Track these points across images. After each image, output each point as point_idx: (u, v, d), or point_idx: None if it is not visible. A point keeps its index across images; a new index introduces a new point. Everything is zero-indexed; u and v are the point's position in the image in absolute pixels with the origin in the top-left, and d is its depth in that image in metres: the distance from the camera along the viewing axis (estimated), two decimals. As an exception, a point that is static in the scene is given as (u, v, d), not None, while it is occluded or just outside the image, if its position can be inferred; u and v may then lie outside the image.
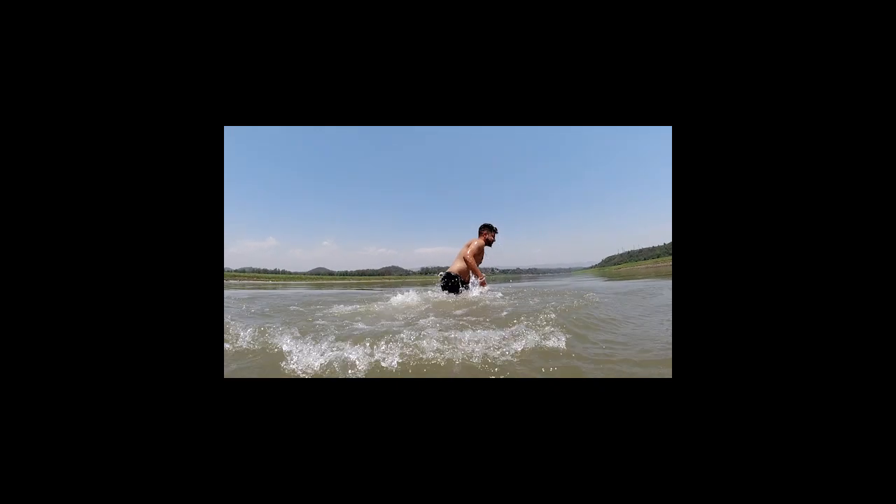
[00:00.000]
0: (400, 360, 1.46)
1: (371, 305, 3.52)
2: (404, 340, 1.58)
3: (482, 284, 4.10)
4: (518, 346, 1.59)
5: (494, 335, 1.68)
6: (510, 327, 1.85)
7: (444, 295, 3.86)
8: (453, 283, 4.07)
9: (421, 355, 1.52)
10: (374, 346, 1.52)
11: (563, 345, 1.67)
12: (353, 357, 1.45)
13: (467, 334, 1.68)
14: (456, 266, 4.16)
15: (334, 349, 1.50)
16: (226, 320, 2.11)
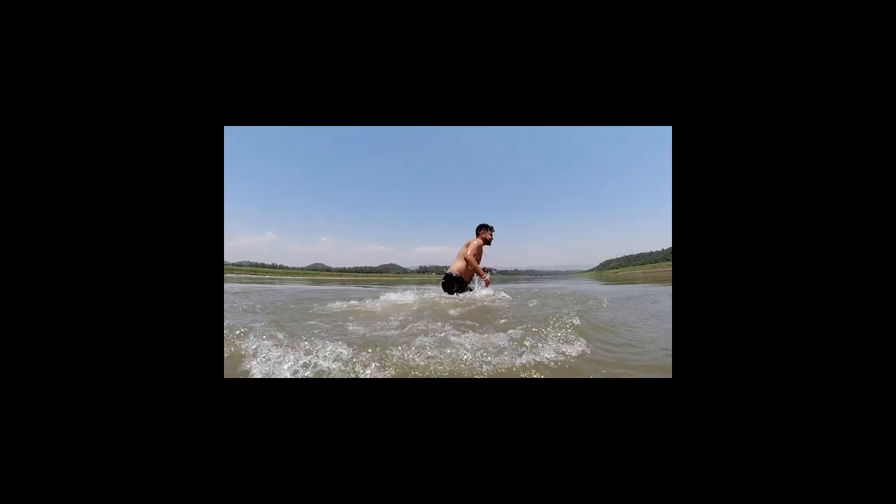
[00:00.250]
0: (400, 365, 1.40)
1: (364, 305, 3.48)
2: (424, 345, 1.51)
3: (486, 284, 4.10)
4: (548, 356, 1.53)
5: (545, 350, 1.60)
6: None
7: (456, 297, 3.76)
8: (457, 284, 4.05)
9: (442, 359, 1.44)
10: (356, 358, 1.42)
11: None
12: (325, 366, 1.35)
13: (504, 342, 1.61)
14: (456, 266, 4.14)
15: (302, 364, 1.37)
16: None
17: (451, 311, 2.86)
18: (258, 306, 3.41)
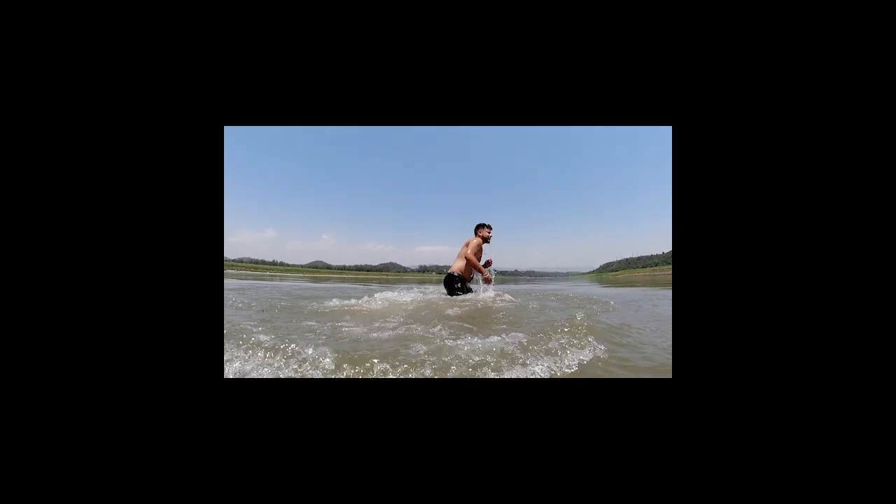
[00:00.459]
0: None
1: (361, 305, 3.46)
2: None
3: (487, 282, 4.14)
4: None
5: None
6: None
7: (458, 298, 3.75)
8: (458, 283, 4.07)
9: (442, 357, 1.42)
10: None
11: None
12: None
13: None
14: (457, 265, 4.18)
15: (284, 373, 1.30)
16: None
17: (449, 311, 2.85)
18: (254, 303, 3.40)
